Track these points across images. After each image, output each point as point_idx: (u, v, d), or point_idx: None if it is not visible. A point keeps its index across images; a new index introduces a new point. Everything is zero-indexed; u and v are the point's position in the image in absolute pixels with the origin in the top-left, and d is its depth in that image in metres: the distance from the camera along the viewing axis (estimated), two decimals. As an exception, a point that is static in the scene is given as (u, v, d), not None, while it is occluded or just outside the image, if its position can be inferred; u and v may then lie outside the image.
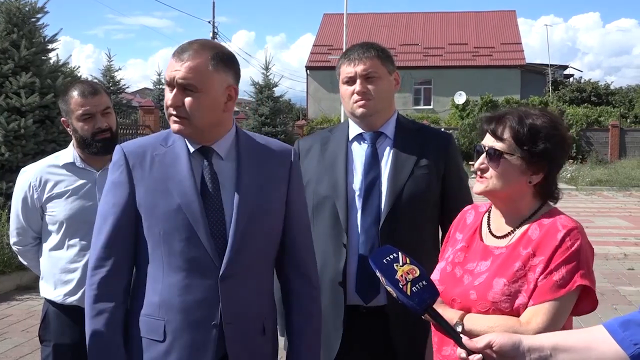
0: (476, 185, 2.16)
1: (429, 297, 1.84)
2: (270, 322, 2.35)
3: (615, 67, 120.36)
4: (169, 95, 2.19)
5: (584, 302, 2.04)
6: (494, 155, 2.10)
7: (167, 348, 2.19)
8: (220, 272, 2.18)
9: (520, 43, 42.22)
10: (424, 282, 1.86)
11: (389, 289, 1.87)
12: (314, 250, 2.47)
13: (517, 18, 44.94)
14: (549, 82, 40.63)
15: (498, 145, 2.10)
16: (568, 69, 48.19)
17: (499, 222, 2.19)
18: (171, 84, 2.18)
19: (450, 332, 1.82)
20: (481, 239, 2.20)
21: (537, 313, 1.97)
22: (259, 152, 2.35)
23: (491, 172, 2.11)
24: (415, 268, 1.88)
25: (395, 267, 1.87)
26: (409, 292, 1.83)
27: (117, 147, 2.31)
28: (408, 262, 1.89)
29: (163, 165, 2.24)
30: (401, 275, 1.85)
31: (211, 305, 2.19)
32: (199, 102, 2.17)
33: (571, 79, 46.23)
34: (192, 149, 2.26)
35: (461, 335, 1.80)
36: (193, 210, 2.18)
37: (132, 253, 2.27)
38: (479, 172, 2.14)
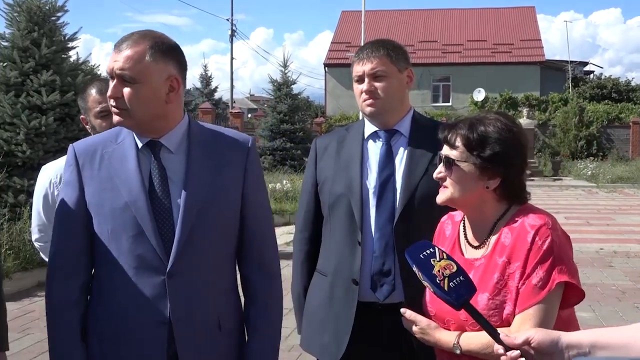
0: (438, 196, 2.17)
1: (466, 292, 1.83)
2: (228, 318, 2.30)
3: (636, 64, 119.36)
4: (110, 87, 2.17)
5: (569, 294, 2.02)
6: (449, 164, 2.11)
7: (120, 345, 2.19)
8: (167, 269, 2.16)
9: (540, 39, 41.88)
10: (461, 278, 1.84)
11: (426, 284, 1.86)
12: (274, 242, 2.44)
13: (537, 14, 44.65)
14: (568, 78, 40.28)
15: (452, 154, 2.11)
16: (588, 65, 47.85)
17: (472, 231, 2.19)
18: (111, 75, 2.16)
19: (488, 327, 1.80)
20: (462, 253, 2.20)
21: (524, 320, 1.96)
22: (212, 144, 2.30)
23: (449, 181, 2.12)
24: (452, 263, 1.87)
25: (432, 262, 1.86)
26: (446, 288, 1.82)
27: (70, 146, 2.30)
28: (445, 257, 1.88)
29: (112, 162, 2.22)
30: (438, 271, 1.84)
31: (160, 303, 2.17)
32: (137, 93, 2.13)
33: (591, 75, 45.85)
34: (140, 144, 2.23)
35: (499, 330, 1.79)
36: (139, 207, 2.15)
37: (86, 252, 2.24)
38: (439, 181, 2.15)
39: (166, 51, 2.18)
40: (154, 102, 2.16)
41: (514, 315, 1.99)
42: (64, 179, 2.30)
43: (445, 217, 2.35)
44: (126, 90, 2.13)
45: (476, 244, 2.15)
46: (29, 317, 7.05)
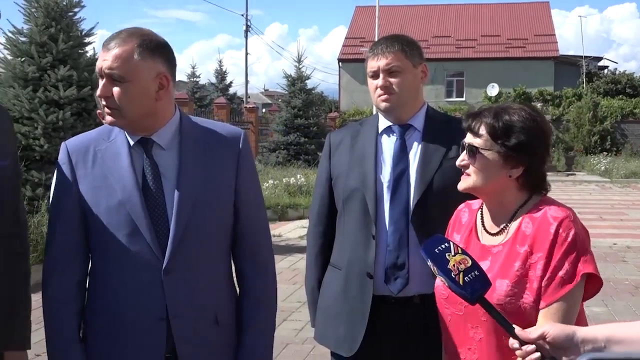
0: (460, 183, 2.16)
1: (481, 287, 1.82)
2: (225, 312, 2.29)
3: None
4: (99, 86, 2.15)
5: (588, 286, 2.01)
6: (472, 152, 2.10)
7: (119, 341, 2.19)
8: (163, 266, 2.15)
9: (554, 34, 41.60)
10: (476, 272, 1.83)
11: (441, 278, 1.86)
12: (268, 236, 2.42)
13: (551, 9, 44.38)
14: (583, 73, 39.95)
15: (475, 142, 2.10)
16: (602, 60, 47.36)
17: (490, 219, 2.18)
18: (100, 74, 2.15)
19: (502, 322, 1.80)
20: (478, 239, 2.19)
21: (552, 313, 1.95)
22: (205, 140, 2.28)
23: (471, 169, 2.10)
24: (467, 258, 1.85)
25: (447, 257, 1.84)
26: (461, 282, 1.81)
27: (62, 144, 2.29)
28: (460, 251, 1.87)
29: (105, 160, 2.21)
30: (453, 265, 1.83)
31: (157, 299, 2.16)
32: (127, 92, 2.12)
33: (606, 70, 45.43)
34: (132, 142, 2.22)
35: (514, 325, 1.78)
36: (134, 204, 2.15)
37: (82, 249, 2.24)
38: (462, 169, 2.14)
39: (154, 49, 2.16)
40: (143, 100, 2.15)
41: (530, 306, 1.98)
42: (57, 176, 2.28)
43: (462, 205, 2.34)
44: (116, 90, 2.12)
45: (494, 231, 2.14)
46: (47, 308, 7.10)
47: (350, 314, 2.67)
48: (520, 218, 2.08)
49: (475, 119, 2.12)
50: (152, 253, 2.15)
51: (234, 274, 2.39)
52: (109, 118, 2.16)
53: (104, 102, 2.15)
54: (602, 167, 26.57)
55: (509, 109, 2.12)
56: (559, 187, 21.46)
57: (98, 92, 2.15)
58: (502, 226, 2.12)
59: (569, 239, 1.97)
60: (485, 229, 2.18)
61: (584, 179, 25.10)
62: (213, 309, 2.25)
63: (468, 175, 2.12)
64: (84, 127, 10.13)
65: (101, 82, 2.14)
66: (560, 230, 1.98)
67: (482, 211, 2.23)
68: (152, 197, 2.18)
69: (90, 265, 2.28)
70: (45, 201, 8.50)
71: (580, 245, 1.98)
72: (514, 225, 2.09)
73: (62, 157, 2.25)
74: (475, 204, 2.28)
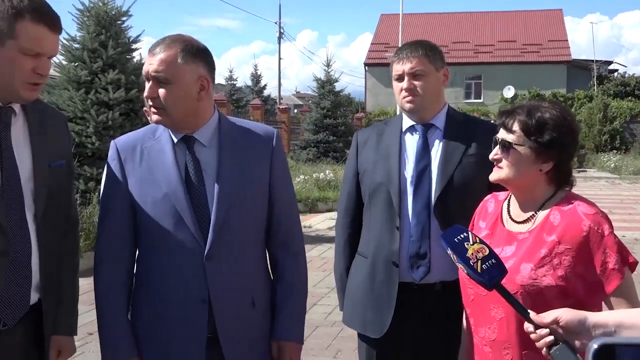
0: (492, 174, 2.15)
1: (498, 274, 1.81)
2: (261, 296, 2.32)
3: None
4: (146, 88, 2.19)
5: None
6: (506, 147, 2.08)
7: (166, 321, 2.20)
8: (205, 253, 2.17)
9: (567, 40, 41.07)
10: (493, 261, 1.82)
11: (460, 266, 1.85)
12: (299, 225, 2.46)
13: (564, 16, 43.75)
14: (594, 77, 39.41)
15: (509, 137, 2.08)
16: (613, 64, 46.68)
17: (518, 209, 2.16)
18: (147, 77, 2.18)
19: (518, 307, 1.78)
20: (503, 225, 2.17)
21: (619, 301, 1.96)
22: (241, 138, 2.31)
23: (504, 162, 2.09)
24: (485, 247, 1.84)
25: (466, 246, 1.84)
26: (479, 270, 1.80)
27: (112, 142, 2.33)
28: (478, 241, 1.86)
29: (151, 156, 2.24)
30: (472, 254, 1.82)
31: (199, 284, 2.18)
32: (172, 93, 2.15)
33: (616, 73, 44.72)
34: (175, 139, 2.25)
35: (528, 310, 1.76)
36: (178, 197, 2.17)
37: (130, 238, 2.27)
38: (495, 162, 2.13)
39: (196, 53, 2.19)
40: (186, 100, 2.17)
41: (549, 289, 1.97)
42: (107, 172, 2.31)
43: (489, 196, 2.33)
44: (161, 91, 2.15)
45: (520, 219, 2.13)
46: (97, 292, 7.18)
47: (377, 298, 2.67)
48: (549, 209, 2.07)
49: (509, 116, 2.11)
50: (195, 241, 2.17)
51: (268, 262, 2.41)
52: (155, 117, 2.19)
53: (150, 103, 2.18)
54: (612, 165, 26.24)
55: (541, 107, 2.11)
56: (571, 182, 21.19)
57: (145, 93, 2.18)
58: (528, 215, 2.11)
59: (606, 232, 1.97)
60: (511, 217, 2.17)
61: (594, 175, 24.75)
62: (250, 293, 2.27)
63: (500, 168, 2.10)
64: (132, 126, 10.21)
65: (148, 85, 2.18)
66: (595, 227, 1.97)
67: (509, 201, 2.21)
68: (195, 190, 2.20)
69: (137, 253, 2.30)
70: (96, 194, 8.59)
71: (615, 237, 1.98)
72: (541, 215, 2.08)
73: (111, 154, 2.28)
74: (502, 195, 2.27)
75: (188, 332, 2.19)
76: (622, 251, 1.98)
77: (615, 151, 30.42)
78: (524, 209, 2.14)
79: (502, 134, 2.11)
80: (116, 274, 2.25)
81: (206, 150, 2.25)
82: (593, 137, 32.15)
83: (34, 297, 2.06)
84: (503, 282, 1.96)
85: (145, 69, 2.19)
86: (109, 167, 2.29)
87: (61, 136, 2.20)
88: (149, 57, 2.18)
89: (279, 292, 2.36)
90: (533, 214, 2.10)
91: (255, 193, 2.28)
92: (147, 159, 2.23)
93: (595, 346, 1.18)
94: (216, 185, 2.20)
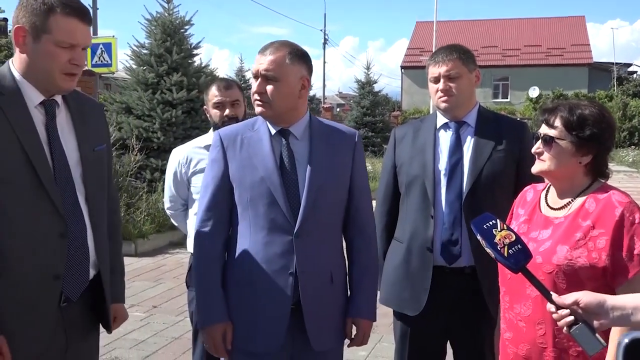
0: (534, 166, 2.11)
1: (523, 258, 1.79)
2: (338, 274, 2.35)
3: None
4: (254, 85, 2.24)
5: None
6: (548, 141, 2.04)
7: (255, 291, 2.24)
8: (295, 230, 2.21)
9: (589, 44, 40.05)
10: (519, 246, 1.80)
11: (488, 250, 1.81)
12: (373, 213, 2.48)
13: (586, 22, 42.63)
14: (614, 78, 38.32)
15: (551, 132, 2.04)
16: (632, 66, 45.26)
17: (555, 197, 2.12)
18: (256, 75, 2.24)
19: (542, 289, 1.75)
20: (540, 212, 2.13)
21: (633, 287, 1.89)
22: (328, 134, 2.35)
23: (546, 155, 2.05)
24: (512, 233, 1.82)
25: (494, 232, 1.81)
26: (506, 254, 1.78)
27: (215, 133, 2.39)
28: (505, 228, 1.83)
29: (250, 145, 2.29)
30: (499, 239, 1.80)
31: (288, 257, 2.22)
32: (278, 89, 2.21)
33: (635, 75, 43.38)
34: (273, 131, 2.30)
35: (551, 292, 1.73)
36: (273, 181, 2.22)
37: (227, 215, 2.31)
38: (536, 155, 2.09)
39: (300, 56, 2.26)
40: (290, 96, 2.24)
41: (582, 269, 1.93)
42: (211, 157, 2.36)
43: (528, 187, 2.29)
44: (269, 87, 2.21)
45: (557, 206, 2.09)
46: (162, 269, 7.29)
47: (413, 280, 2.64)
48: (584, 197, 2.03)
49: (551, 113, 2.07)
50: (287, 220, 2.22)
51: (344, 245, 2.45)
52: (259, 109, 2.25)
53: (257, 97, 2.23)
54: (630, 159, 25.58)
55: (581, 105, 2.07)
56: (591, 176, 20.72)
57: (254, 88, 2.24)
58: (565, 202, 2.07)
59: (637, 221, 1.93)
60: (548, 204, 2.13)
61: (613, 168, 23.46)
62: (330, 269, 2.31)
63: (543, 161, 2.07)
64: (192, 122, 10.36)
65: (256, 82, 2.24)
66: (627, 214, 1.94)
67: (547, 191, 2.18)
68: (288, 176, 2.26)
69: (231, 229, 2.34)
70: (161, 183, 8.70)
71: None
72: (577, 202, 2.04)
73: (215, 142, 2.34)
74: (540, 185, 2.23)
75: (275, 301, 2.23)
76: None
77: (633, 147, 29.65)
78: (561, 197, 2.10)
79: (544, 130, 2.07)
80: (213, 247, 2.29)
81: (299, 143, 2.30)
82: (615, 134, 31.38)
83: (92, 272, 2.07)
84: (541, 261, 1.96)
85: (255, 68, 2.24)
86: (212, 153, 2.35)
87: (100, 122, 2.19)
88: (259, 57, 2.24)
89: (355, 273, 2.39)
90: (569, 201, 2.07)
91: (339, 182, 2.32)
92: (247, 147, 2.29)
93: (626, 341, 1.13)
94: (307, 173, 2.25)
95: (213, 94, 3.14)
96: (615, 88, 36.72)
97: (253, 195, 2.24)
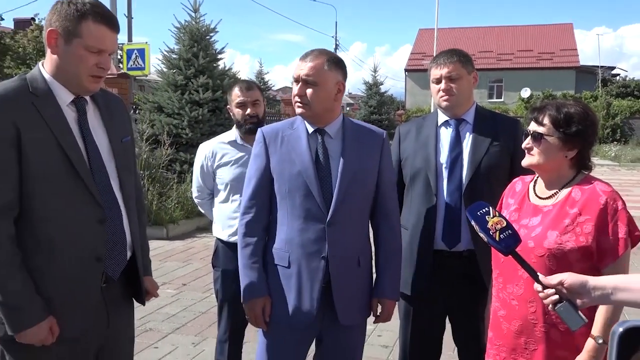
0: (524, 160, 2.10)
1: (513, 242, 1.78)
2: (365, 258, 2.36)
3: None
4: (295, 88, 2.27)
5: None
6: (537, 137, 2.03)
7: (291, 272, 2.28)
8: (327, 219, 2.23)
9: (576, 49, 39.57)
10: (509, 231, 1.79)
11: (481, 235, 1.81)
12: (397, 203, 2.48)
13: (574, 29, 42.10)
14: (598, 80, 37.84)
15: (540, 129, 2.03)
16: (615, 69, 44.70)
17: (543, 188, 2.12)
18: (297, 79, 2.26)
19: (530, 270, 1.74)
20: (529, 201, 2.13)
21: (621, 265, 1.93)
22: (359, 134, 2.36)
23: (535, 150, 2.04)
24: (503, 220, 1.81)
25: (487, 219, 1.80)
26: (497, 239, 1.77)
27: (259, 130, 2.42)
28: (497, 215, 1.83)
29: (289, 142, 2.31)
30: (491, 225, 1.79)
31: (320, 243, 2.24)
32: (317, 92, 2.23)
33: (618, 77, 42.85)
34: (310, 130, 2.31)
35: (538, 273, 1.72)
36: (309, 174, 2.24)
37: (268, 204, 2.34)
38: (526, 150, 2.08)
39: (337, 63, 2.28)
40: (327, 99, 2.26)
41: (571, 251, 1.94)
42: (254, 152, 2.38)
43: (516, 179, 2.28)
44: (308, 91, 2.23)
45: (545, 196, 2.09)
46: (190, 252, 7.32)
47: (416, 263, 2.63)
48: (570, 188, 2.03)
49: (540, 112, 2.06)
50: (320, 210, 2.24)
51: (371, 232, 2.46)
52: (300, 110, 2.27)
53: (297, 99, 2.26)
54: (613, 154, 25.32)
55: (567, 104, 2.06)
56: (577, 169, 20.54)
57: (295, 91, 2.26)
58: (552, 192, 2.07)
59: (619, 207, 1.94)
60: (536, 194, 2.12)
61: (597, 162, 23.80)
62: (357, 254, 2.32)
63: (532, 155, 2.06)
64: (217, 120, 10.36)
65: (297, 86, 2.26)
66: (611, 202, 1.94)
67: (534, 182, 2.17)
68: (322, 170, 2.28)
69: (273, 216, 2.36)
70: (189, 174, 8.74)
71: (627, 212, 1.95)
72: (564, 192, 2.04)
73: (258, 138, 2.37)
74: (528, 177, 2.22)
75: (309, 281, 2.26)
76: (631, 224, 1.95)
77: (615, 142, 29.31)
78: (549, 187, 2.10)
79: (533, 127, 2.06)
80: (255, 231, 2.32)
81: (333, 141, 2.32)
82: (598, 130, 31.03)
83: (128, 253, 2.08)
84: (533, 245, 1.96)
85: (296, 73, 2.26)
86: (255, 148, 2.38)
87: (124, 115, 2.17)
88: (300, 64, 2.26)
89: (381, 257, 2.40)
90: (556, 192, 2.06)
91: (368, 176, 2.33)
92: (286, 144, 2.31)
93: (620, 330, 1.06)
94: (339, 168, 2.27)
95: (236, 94, 3.14)
96: (600, 89, 36.27)
97: (291, 186, 2.26)
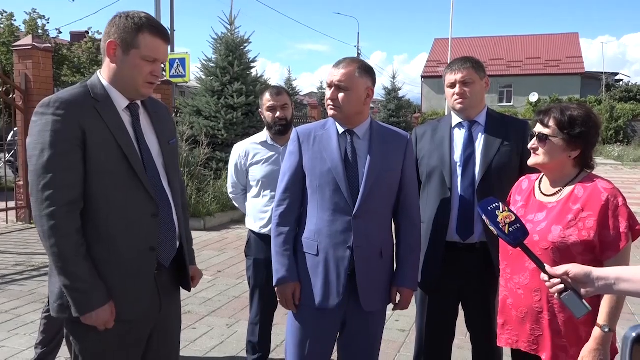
0: (530, 160, 2.07)
1: (521, 235, 1.76)
2: (387, 250, 2.32)
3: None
4: (328, 93, 2.26)
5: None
6: (542, 138, 2.00)
7: (319, 260, 2.26)
8: (354, 212, 2.22)
9: (581, 57, 38.73)
10: (518, 225, 1.77)
11: (492, 228, 1.78)
12: (418, 202, 2.44)
13: (580, 38, 41.23)
14: (603, 85, 37.02)
15: (545, 131, 2.00)
16: (618, 75, 43.62)
17: (548, 186, 2.08)
18: (330, 85, 2.25)
19: (537, 261, 1.70)
20: (535, 198, 2.09)
21: (622, 257, 1.89)
22: (385, 136, 2.33)
23: (541, 150, 2.01)
24: (512, 214, 1.79)
25: (497, 213, 1.78)
26: (506, 232, 1.75)
27: (294, 130, 2.40)
28: (506, 210, 1.80)
29: (321, 141, 2.29)
30: (501, 219, 1.77)
31: (347, 234, 2.23)
32: (348, 97, 2.22)
33: (621, 82, 41.82)
34: (340, 131, 2.30)
35: (544, 264, 1.69)
36: (338, 172, 2.23)
37: (300, 197, 2.33)
38: (532, 150, 2.04)
39: (367, 71, 2.26)
40: (357, 103, 2.24)
41: (574, 245, 1.91)
42: (289, 150, 2.37)
43: (523, 177, 2.25)
44: (341, 95, 2.22)
45: (549, 193, 2.06)
46: (225, 242, 7.37)
47: (431, 255, 2.59)
48: (574, 185, 2.00)
49: (545, 115, 2.03)
50: (347, 204, 2.23)
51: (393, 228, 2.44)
52: (332, 112, 2.26)
53: (330, 103, 2.25)
54: (616, 154, 24.76)
55: (571, 107, 2.02)
56: (582, 168, 20.13)
57: (328, 95, 2.26)
58: (556, 190, 2.03)
59: (621, 204, 1.90)
60: (541, 191, 2.09)
61: (601, 162, 23.36)
62: (380, 245, 2.30)
63: (537, 155, 2.03)
64: (250, 123, 10.42)
65: (330, 90, 2.25)
66: (612, 199, 1.91)
67: (540, 180, 2.13)
68: (351, 168, 2.26)
69: (302, 208, 2.35)
70: (225, 171, 8.79)
71: (627, 208, 1.92)
72: (567, 190, 2.00)
73: (293, 137, 2.36)
74: (534, 176, 2.18)
75: (335, 268, 2.24)
76: (631, 219, 1.91)
77: (619, 143, 28.66)
78: (553, 185, 2.06)
79: (539, 128, 2.02)
80: (288, 222, 2.32)
81: (361, 142, 2.30)
82: (601, 132, 30.32)
83: (177, 243, 2.09)
84: (538, 239, 1.93)
85: (329, 79, 2.25)
86: (290, 146, 2.37)
87: (169, 120, 2.19)
88: (333, 70, 2.25)
89: (402, 250, 2.37)
90: (560, 189, 2.03)
91: (392, 174, 2.31)
92: (318, 143, 2.30)
93: (633, 335, 0.99)
94: (366, 167, 2.25)
95: (267, 99, 3.14)
96: (603, 94, 35.48)
97: (321, 182, 2.25)
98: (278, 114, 3.08)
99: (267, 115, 3.13)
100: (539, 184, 2.13)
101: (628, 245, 1.90)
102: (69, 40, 25.37)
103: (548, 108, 2.05)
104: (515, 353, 2.16)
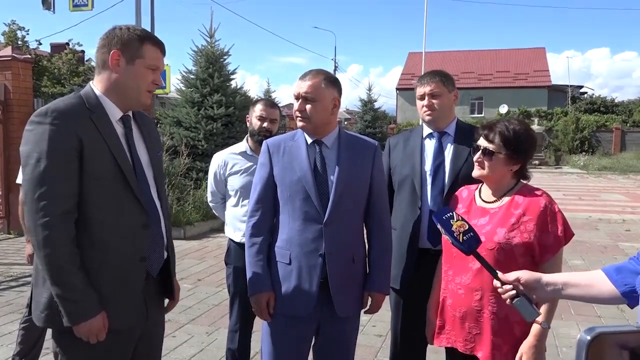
0: (474, 172, 2.15)
1: (475, 243, 1.79)
2: (358, 255, 2.32)
3: (619, 87, 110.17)
4: (296, 104, 2.27)
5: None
6: (487, 153, 2.08)
7: (292, 268, 2.25)
8: (324, 220, 2.22)
9: (548, 70, 39.60)
10: (471, 234, 1.80)
11: (446, 237, 1.82)
12: (388, 208, 2.46)
13: (546, 53, 42.17)
14: (568, 97, 37.87)
15: (490, 146, 2.08)
16: (583, 88, 44.70)
17: (489, 194, 2.17)
18: (297, 97, 2.25)
19: (489, 268, 1.73)
20: (476, 204, 2.18)
21: (559, 261, 2.01)
22: (353, 144, 2.34)
23: (485, 164, 2.09)
24: (465, 223, 1.82)
25: (451, 222, 1.81)
26: (461, 240, 1.77)
27: (264, 142, 2.40)
28: (460, 219, 1.83)
29: (291, 152, 2.29)
30: (455, 228, 1.79)
31: (318, 242, 2.22)
32: (316, 108, 2.23)
33: (586, 95, 42.85)
34: (309, 141, 2.30)
35: (497, 271, 1.72)
36: (308, 180, 2.22)
37: (272, 208, 2.32)
38: (477, 164, 2.12)
39: (333, 81, 2.27)
40: (325, 114, 2.25)
41: (517, 246, 2.00)
42: (260, 161, 2.37)
43: (462, 188, 2.33)
44: (308, 106, 2.22)
45: (490, 200, 2.15)
46: (205, 250, 7.32)
47: (401, 260, 2.62)
48: (513, 194, 2.10)
49: (490, 130, 2.11)
50: (317, 212, 2.23)
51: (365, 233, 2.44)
52: (301, 124, 2.27)
53: (298, 114, 2.25)
54: (581, 163, 25.32)
55: (513, 123, 2.10)
56: (550, 176, 20.52)
57: (296, 107, 2.25)
58: (496, 197, 2.13)
59: (556, 209, 2.03)
60: (482, 199, 2.18)
61: (568, 171, 23.90)
62: (351, 251, 2.30)
63: (482, 168, 2.11)
64: (229, 133, 10.38)
65: (297, 102, 2.25)
66: (549, 205, 2.03)
67: (479, 189, 2.22)
68: (320, 177, 2.26)
69: (277, 218, 2.34)
70: (205, 181, 8.74)
71: (562, 213, 2.04)
72: (507, 197, 2.11)
73: (264, 149, 2.36)
74: (473, 186, 2.27)
75: (308, 276, 2.23)
76: (565, 224, 2.02)
77: (584, 153, 29.29)
78: (494, 194, 2.15)
79: (484, 143, 2.10)
80: (260, 232, 2.31)
81: (329, 151, 2.30)
82: (567, 142, 30.89)
83: (165, 254, 2.08)
84: (484, 240, 1.98)
85: (296, 91, 2.26)
86: (261, 157, 2.37)
87: (155, 133, 2.19)
88: (300, 82, 2.25)
89: (373, 255, 2.37)
90: (501, 197, 2.13)
91: (361, 182, 2.31)
92: (288, 154, 2.30)
93: (588, 338, 0.88)
94: (335, 175, 2.25)
95: (260, 108, 3.15)
96: (569, 106, 36.29)
97: (292, 192, 2.25)
98: (266, 124, 3.10)
99: (254, 123, 3.14)
100: (479, 192, 2.22)
101: (563, 248, 2.02)
102: (49, 51, 24.97)
103: (492, 123, 2.14)
104: (450, 353, 2.23)
